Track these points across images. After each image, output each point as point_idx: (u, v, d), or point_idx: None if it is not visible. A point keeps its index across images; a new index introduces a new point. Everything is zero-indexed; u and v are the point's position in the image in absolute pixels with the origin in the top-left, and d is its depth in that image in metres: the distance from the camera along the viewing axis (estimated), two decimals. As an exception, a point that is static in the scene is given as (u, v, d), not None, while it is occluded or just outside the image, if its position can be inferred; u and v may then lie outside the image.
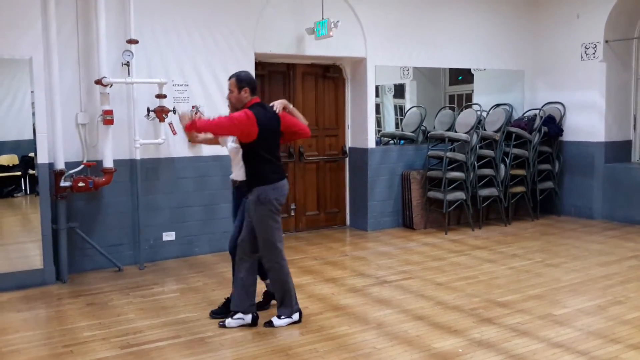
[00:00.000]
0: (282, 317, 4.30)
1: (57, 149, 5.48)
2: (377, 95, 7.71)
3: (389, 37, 7.55)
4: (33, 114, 5.38)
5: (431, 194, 7.59)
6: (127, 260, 5.97)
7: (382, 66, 7.59)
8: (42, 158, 5.35)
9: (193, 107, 6.27)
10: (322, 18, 6.62)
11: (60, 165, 5.48)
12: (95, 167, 5.68)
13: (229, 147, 4.57)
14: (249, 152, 4.18)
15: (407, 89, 8.43)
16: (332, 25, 6.49)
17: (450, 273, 5.66)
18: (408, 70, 8.08)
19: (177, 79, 6.22)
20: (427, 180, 7.66)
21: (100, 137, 5.75)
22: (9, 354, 3.83)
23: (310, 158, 7.62)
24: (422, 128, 8.16)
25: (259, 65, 6.85)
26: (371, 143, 7.55)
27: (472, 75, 8.61)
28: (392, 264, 6.04)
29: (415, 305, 4.73)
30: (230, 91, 4.24)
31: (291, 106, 4.48)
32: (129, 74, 5.83)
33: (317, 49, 6.99)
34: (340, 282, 5.39)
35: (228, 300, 4.45)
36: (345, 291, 5.12)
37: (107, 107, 5.62)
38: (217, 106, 6.42)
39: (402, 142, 8.12)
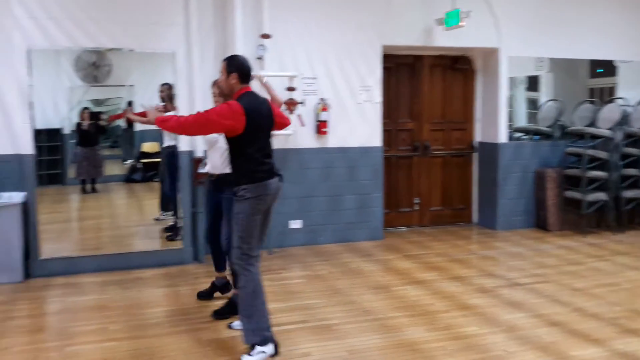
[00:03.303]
0: (252, 353, 3.52)
1: (196, 138, 5.77)
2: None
3: (524, 26, 7.14)
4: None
5: (568, 193, 7.10)
6: (256, 246, 6.19)
7: (516, 57, 7.22)
8: (183, 146, 5.71)
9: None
10: (453, 8, 6.42)
11: (199, 153, 5.79)
12: (229, 156, 5.94)
13: (207, 136, 4.31)
14: (235, 148, 3.62)
15: (542, 81, 7.94)
16: (464, 15, 6.27)
17: (589, 279, 5.26)
18: (543, 61, 7.61)
19: (307, 72, 6.34)
20: (564, 179, 7.17)
21: (235, 127, 5.99)
22: (154, 326, 4.12)
23: (436, 152, 7.44)
24: (560, 123, 7.66)
25: (386, 57, 6.80)
26: (502, 138, 7.21)
27: (615, 67, 7.92)
28: (524, 265, 5.74)
29: (549, 311, 4.46)
30: (221, 74, 3.74)
31: (265, 79, 4.09)
32: (262, 67, 6.03)
33: (446, 40, 6.79)
34: (468, 281, 5.21)
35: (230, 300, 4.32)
36: (473, 291, 4.94)
37: (241, 99, 5.85)
38: (343, 99, 6.48)
39: (536, 137, 7.67)
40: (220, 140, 4.17)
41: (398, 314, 4.36)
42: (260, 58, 6.00)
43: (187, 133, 3.74)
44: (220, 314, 4.25)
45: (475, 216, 7.69)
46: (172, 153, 5.74)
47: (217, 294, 4.66)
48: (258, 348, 3.52)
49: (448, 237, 6.94)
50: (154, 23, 5.51)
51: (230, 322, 4.11)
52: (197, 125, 3.52)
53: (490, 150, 7.35)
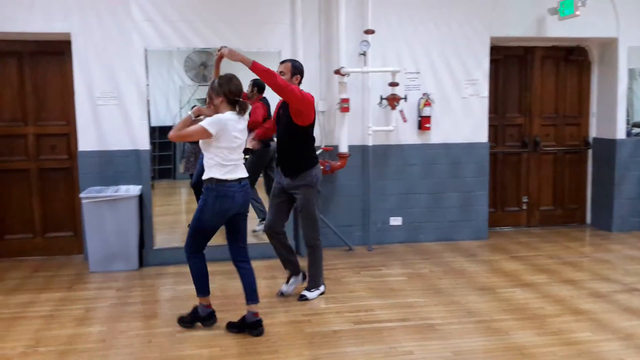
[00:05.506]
0: (313, 290, 4.58)
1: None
2: (627, 79, 6.82)
3: (648, 13, 6.61)
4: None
5: (696, 194, 6.49)
6: (357, 241, 6.21)
7: (636, 47, 6.68)
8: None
9: None
10: (568, -4, 6.05)
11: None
12: (332, 151, 6.01)
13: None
14: (304, 135, 4.38)
15: (665, 73, 7.29)
16: (580, 4, 5.89)
17: None
18: (667, 50, 6.98)
19: (409, 67, 6.24)
20: (691, 178, 6.57)
21: (337, 123, 6.05)
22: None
23: (547, 149, 7.07)
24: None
25: (493, 49, 6.53)
26: (621, 134, 6.71)
27: None
28: (644, 270, 5.33)
29: (674, 319, 4.12)
30: (282, 73, 4.34)
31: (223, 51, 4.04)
32: (365, 63, 6.01)
33: (559, 30, 6.42)
34: (580, 285, 4.90)
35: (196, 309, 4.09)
36: (586, 295, 4.65)
37: (344, 96, 5.88)
38: (447, 94, 6.31)
39: (658, 133, 7.07)
40: None
41: (505, 317, 4.19)
42: (363, 54, 5.99)
43: (280, 93, 4.16)
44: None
45: (588, 217, 7.24)
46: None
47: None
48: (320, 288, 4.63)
49: (559, 239, 6.58)
50: (261, 23, 5.66)
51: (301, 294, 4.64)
52: (293, 94, 4.15)
53: (606, 146, 6.87)
